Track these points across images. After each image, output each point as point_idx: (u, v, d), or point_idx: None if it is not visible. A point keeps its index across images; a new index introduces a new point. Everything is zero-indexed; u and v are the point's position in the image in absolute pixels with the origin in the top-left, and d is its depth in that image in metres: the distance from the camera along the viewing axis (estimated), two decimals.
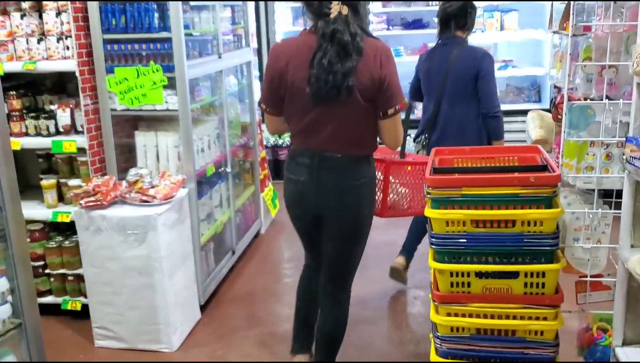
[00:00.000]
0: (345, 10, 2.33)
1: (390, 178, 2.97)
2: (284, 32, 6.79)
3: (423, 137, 3.64)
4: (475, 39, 6.35)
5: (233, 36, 4.44)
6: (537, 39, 6.42)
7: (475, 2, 6.28)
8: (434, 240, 2.18)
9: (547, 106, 6.12)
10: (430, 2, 6.47)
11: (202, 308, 3.74)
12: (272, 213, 5.16)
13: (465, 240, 2.14)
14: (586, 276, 2.48)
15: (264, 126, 6.38)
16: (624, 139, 2.23)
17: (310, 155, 2.47)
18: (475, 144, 3.44)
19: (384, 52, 2.37)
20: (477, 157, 2.58)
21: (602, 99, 2.34)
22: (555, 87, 5.62)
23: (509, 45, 6.62)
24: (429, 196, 2.19)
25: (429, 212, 2.18)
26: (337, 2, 2.33)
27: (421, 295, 3.91)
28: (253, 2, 4.89)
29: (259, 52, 6.29)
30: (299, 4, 6.70)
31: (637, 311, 2.33)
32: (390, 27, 6.43)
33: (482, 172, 2.31)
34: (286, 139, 6.40)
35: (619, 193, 2.56)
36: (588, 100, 2.41)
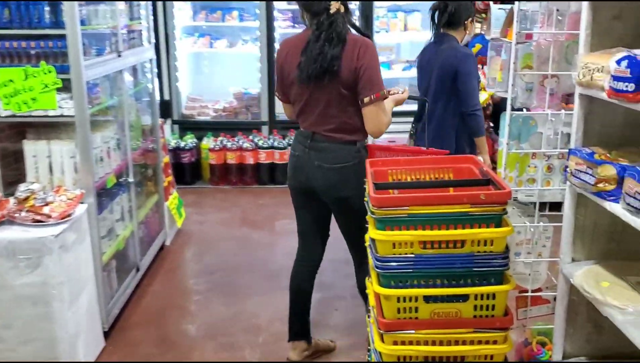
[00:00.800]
0: (342, 8, 2.63)
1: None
2: (183, 27, 6.41)
3: (411, 127, 3.80)
4: (379, 39, 6.32)
5: (129, 33, 4.06)
6: None
7: (378, 2, 6.29)
8: (379, 263, 2.01)
9: None
10: None
11: (106, 334, 3.37)
12: (178, 223, 4.80)
13: (412, 263, 1.98)
14: (527, 291, 2.42)
15: (166, 127, 5.99)
16: (565, 150, 2.18)
17: (305, 135, 2.79)
18: (452, 140, 3.55)
19: (363, 46, 2.61)
20: (411, 168, 2.44)
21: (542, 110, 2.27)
22: None
23: (412, 45, 6.62)
24: (373, 216, 2.01)
25: (373, 233, 2.01)
26: (336, 1, 2.60)
27: (342, 305, 3.77)
28: None
29: (156, 48, 5.87)
30: None
31: (577, 325, 2.30)
32: (296, 25, 6.22)
33: (425, 187, 2.16)
34: (189, 141, 6.04)
35: (554, 205, 2.53)
36: (524, 110, 2.34)
